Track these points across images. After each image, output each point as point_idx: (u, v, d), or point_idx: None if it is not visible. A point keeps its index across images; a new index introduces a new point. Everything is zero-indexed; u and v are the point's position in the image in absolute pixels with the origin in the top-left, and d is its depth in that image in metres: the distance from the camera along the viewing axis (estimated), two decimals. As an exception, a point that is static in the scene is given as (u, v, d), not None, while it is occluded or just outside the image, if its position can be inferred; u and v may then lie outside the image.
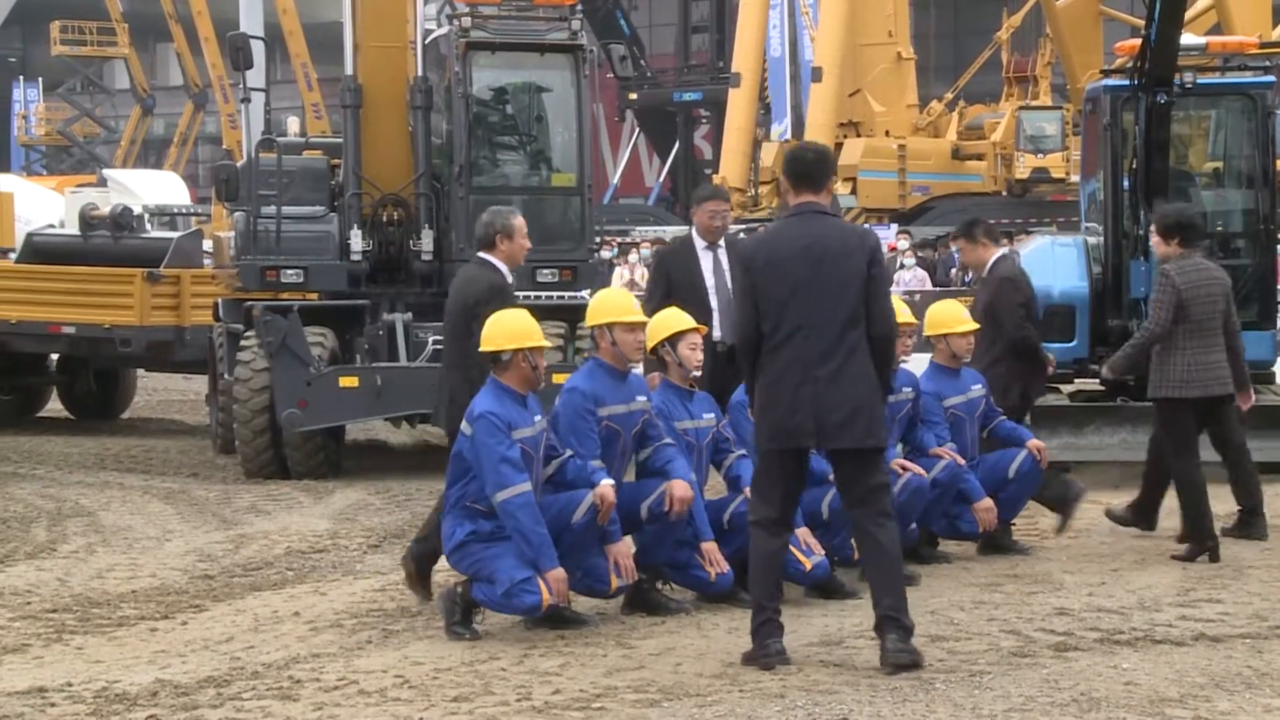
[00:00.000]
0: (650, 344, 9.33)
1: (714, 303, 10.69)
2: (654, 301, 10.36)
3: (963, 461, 10.31)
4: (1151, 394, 10.83)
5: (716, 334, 10.55)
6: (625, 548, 8.72)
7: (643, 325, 9.08)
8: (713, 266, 10.86)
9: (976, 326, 10.91)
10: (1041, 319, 12.64)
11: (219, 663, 7.99)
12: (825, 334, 7.62)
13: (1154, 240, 11.17)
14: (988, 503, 10.38)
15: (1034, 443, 10.86)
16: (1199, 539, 10.51)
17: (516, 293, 14.91)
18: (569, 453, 8.70)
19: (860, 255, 7.68)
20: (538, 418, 8.58)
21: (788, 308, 7.66)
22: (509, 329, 8.59)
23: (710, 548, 8.99)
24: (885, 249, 8.29)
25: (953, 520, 10.46)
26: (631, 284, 28.92)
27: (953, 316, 10.81)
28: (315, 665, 7.88)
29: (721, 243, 10.92)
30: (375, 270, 15.79)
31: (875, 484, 7.75)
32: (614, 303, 9.12)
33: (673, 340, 9.26)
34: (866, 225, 9.22)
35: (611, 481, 8.63)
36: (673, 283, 10.72)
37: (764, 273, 7.73)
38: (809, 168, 7.90)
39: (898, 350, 9.48)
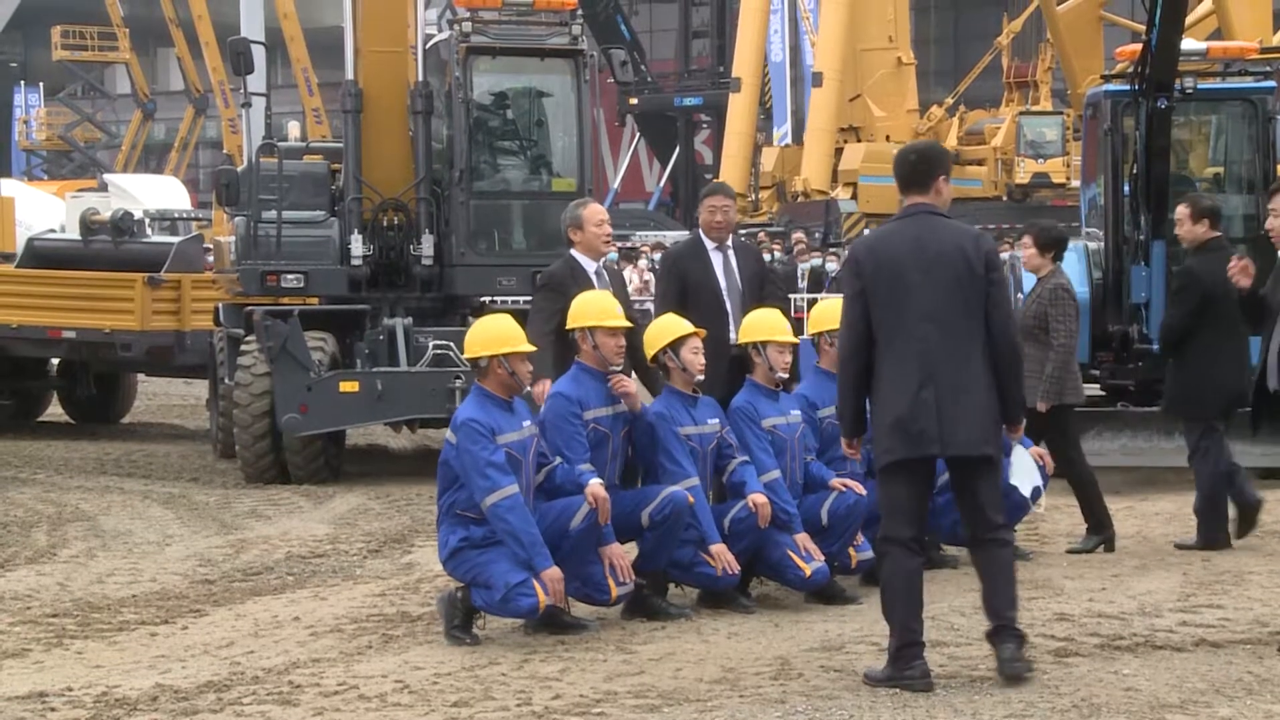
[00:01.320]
0: (650, 352, 9.28)
1: (728, 305, 10.35)
2: (668, 304, 10.07)
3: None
4: (1059, 400, 10.92)
5: (732, 336, 10.05)
6: (620, 548, 8.69)
7: (624, 329, 9.04)
8: (723, 268, 10.51)
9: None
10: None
11: (219, 668, 7.98)
12: (942, 339, 7.36)
13: (1030, 251, 11.19)
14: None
15: (1035, 450, 10.84)
16: (1103, 527, 11.01)
17: (515, 297, 15.06)
18: (557, 460, 8.67)
19: (976, 259, 7.42)
20: (526, 422, 8.53)
21: (903, 313, 7.39)
22: (486, 336, 8.54)
23: (720, 549, 8.93)
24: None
25: (954, 524, 10.41)
26: (641, 289, 28.87)
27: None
28: (315, 670, 7.87)
29: (730, 243, 10.60)
30: (375, 275, 15.80)
31: (989, 495, 7.55)
32: (595, 306, 9.06)
33: (674, 346, 9.21)
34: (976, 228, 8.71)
35: (601, 480, 8.61)
36: (688, 284, 10.38)
37: (875, 277, 7.45)
38: (909, 169, 7.64)
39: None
